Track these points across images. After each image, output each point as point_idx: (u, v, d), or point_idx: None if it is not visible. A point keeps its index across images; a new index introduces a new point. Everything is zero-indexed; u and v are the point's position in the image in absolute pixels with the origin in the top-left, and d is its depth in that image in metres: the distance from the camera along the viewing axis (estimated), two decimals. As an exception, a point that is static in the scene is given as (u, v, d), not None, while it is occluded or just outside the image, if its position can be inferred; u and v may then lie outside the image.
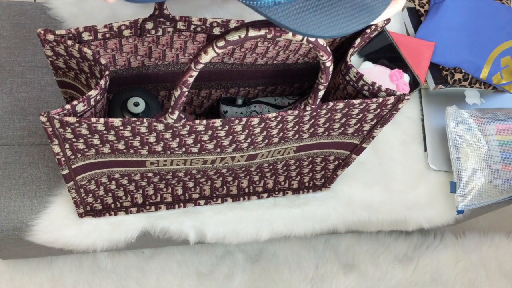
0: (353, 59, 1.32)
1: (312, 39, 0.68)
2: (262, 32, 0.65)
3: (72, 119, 0.76)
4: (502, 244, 1.88)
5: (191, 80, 0.70)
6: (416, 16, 1.43)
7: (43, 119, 0.75)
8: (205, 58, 0.67)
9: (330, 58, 0.73)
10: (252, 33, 0.65)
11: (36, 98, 1.17)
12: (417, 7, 1.43)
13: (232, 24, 0.89)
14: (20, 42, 1.22)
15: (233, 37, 0.65)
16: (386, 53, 1.31)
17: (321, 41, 0.69)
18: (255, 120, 0.84)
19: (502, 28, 1.39)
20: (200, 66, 0.68)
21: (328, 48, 0.71)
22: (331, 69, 0.75)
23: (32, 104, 1.17)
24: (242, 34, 0.65)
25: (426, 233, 1.82)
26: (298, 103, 0.87)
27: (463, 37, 1.37)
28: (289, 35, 0.66)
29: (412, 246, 1.79)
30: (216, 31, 0.91)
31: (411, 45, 1.34)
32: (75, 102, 0.76)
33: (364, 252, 1.74)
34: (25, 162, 1.12)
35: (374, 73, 1.25)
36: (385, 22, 0.94)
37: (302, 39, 0.67)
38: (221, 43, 0.66)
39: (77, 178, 0.94)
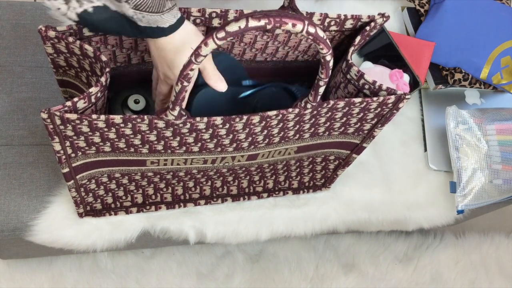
0: (353, 59, 1.32)
1: (312, 30, 0.68)
2: (262, 22, 0.65)
3: (73, 116, 0.76)
4: (502, 244, 1.88)
5: (192, 73, 0.70)
6: (416, 16, 1.44)
7: (44, 115, 0.75)
8: (205, 50, 0.67)
9: (330, 51, 0.73)
10: (252, 23, 0.65)
11: (36, 98, 1.17)
12: (417, 7, 1.44)
13: (231, 14, 0.89)
14: (20, 42, 1.22)
15: (233, 28, 0.65)
16: (386, 52, 1.31)
17: (321, 33, 0.69)
18: (256, 118, 0.84)
19: (502, 28, 1.39)
20: (200, 59, 0.68)
21: (327, 40, 0.71)
22: (331, 64, 0.75)
23: (32, 104, 1.17)
24: (242, 25, 0.65)
25: (426, 233, 1.82)
26: (298, 101, 0.87)
27: (463, 37, 1.37)
28: (289, 26, 0.66)
29: (412, 246, 1.79)
30: (215, 22, 0.91)
31: (411, 45, 1.34)
32: (76, 99, 0.76)
33: (364, 252, 1.74)
34: (25, 162, 1.12)
35: (374, 73, 1.25)
36: (384, 19, 0.94)
37: (302, 31, 0.67)
38: (221, 34, 0.66)
39: (77, 177, 0.94)
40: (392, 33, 1.34)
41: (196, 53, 0.68)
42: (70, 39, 0.80)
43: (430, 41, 1.35)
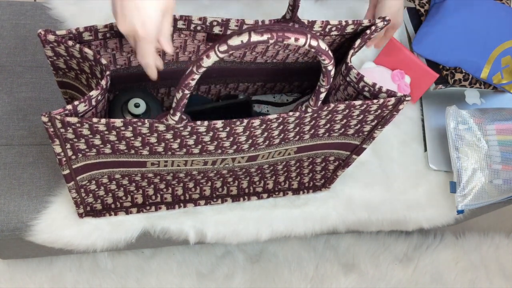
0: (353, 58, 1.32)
1: (314, 44, 0.68)
2: (265, 37, 0.65)
3: (74, 119, 0.76)
4: (502, 244, 1.88)
5: (193, 83, 0.70)
6: (416, 16, 1.43)
7: (45, 119, 0.75)
8: (207, 62, 0.67)
9: (332, 62, 0.73)
10: (255, 38, 0.65)
11: (36, 98, 1.17)
12: (417, 7, 1.43)
13: (232, 23, 0.89)
14: (20, 42, 1.22)
15: (235, 42, 0.65)
16: None
17: (323, 45, 0.69)
18: (256, 122, 0.84)
19: (502, 28, 1.39)
20: (202, 70, 0.68)
21: (330, 52, 0.71)
22: (333, 73, 0.76)
23: (32, 104, 1.17)
24: (245, 39, 0.65)
25: (426, 233, 1.82)
26: (299, 105, 0.87)
27: (464, 37, 1.37)
28: (291, 40, 0.67)
29: (412, 246, 1.79)
30: (216, 30, 0.91)
31: (416, 67, 1.33)
32: (76, 102, 0.76)
33: (364, 252, 1.74)
34: (25, 162, 1.12)
35: (375, 73, 1.25)
36: (385, 23, 0.94)
37: (304, 44, 0.68)
38: (224, 48, 0.66)
39: (77, 178, 0.94)
40: (403, 48, 1.33)
41: (198, 64, 0.68)
42: (70, 42, 0.80)
43: (435, 72, 1.34)
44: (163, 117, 0.80)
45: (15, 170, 1.11)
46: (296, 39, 0.67)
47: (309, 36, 0.67)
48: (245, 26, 0.90)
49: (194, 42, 0.94)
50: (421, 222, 1.33)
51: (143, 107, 0.97)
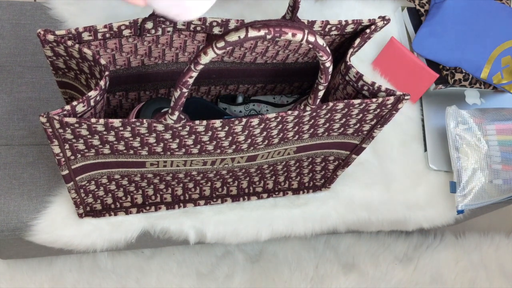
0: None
1: (312, 39, 0.68)
2: (262, 32, 0.65)
3: (72, 120, 0.76)
4: (502, 244, 1.88)
5: (191, 80, 0.70)
6: (416, 16, 1.43)
7: (43, 119, 0.75)
8: (204, 59, 0.67)
9: (330, 58, 0.73)
10: (252, 33, 0.65)
11: (36, 98, 1.17)
12: (417, 7, 1.43)
13: (232, 24, 0.89)
14: (20, 42, 1.22)
15: (232, 37, 0.65)
16: None
17: (321, 41, 0.69)
18: (255, 121, 0.84)
19: (502, 28, 1.39)
20: (200, 67, 0.68)
21: (327, 48, 0.71)
22: (330, 69, 0.75)
23: (32, 104, 1.17)
24: (242, 34, 0.65)
25: (426, 233, 1.82)
26: (298, 104, 0.87)
27: (464, 36, 1.37)
28: (289, 36, 0.66)
29: (412, 246, 1.79)
30: (216, 30, 0.91)
31: (416, 67, 1.33)
32: (75, 103, 0.76)
33: (364, 252, 1.74)
34: (25, 162, 1.12)
35: None
36: (385, 22, 0.94)
37: (302, 40, 0.67)
38: (221, 44, 0.66)
39: (77, 178, 0.94)
40: (405, 49, 1.33)
41: (196, 61, 0.68)
42: (69, 42, 0.80)
43: (435, 72, 1.34)
44: (161, 116, 0.80)
45: (15, 170, 1.11)
46: (294, 35, 0.67)
47: (306, 31, 0.67)
48: None
49: (193, 43, 0.94)
50: (421, 222, 1.33)
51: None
